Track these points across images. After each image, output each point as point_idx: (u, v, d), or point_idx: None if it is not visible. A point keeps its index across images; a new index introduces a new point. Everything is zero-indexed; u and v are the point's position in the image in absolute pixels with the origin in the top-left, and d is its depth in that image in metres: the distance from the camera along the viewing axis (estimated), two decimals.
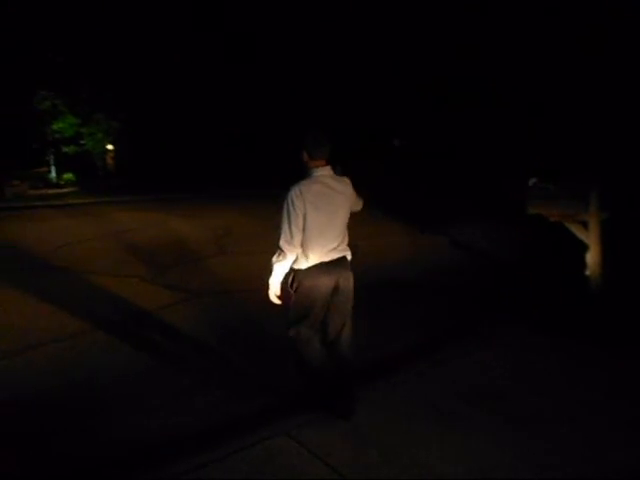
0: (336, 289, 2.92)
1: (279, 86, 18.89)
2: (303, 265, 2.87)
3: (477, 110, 15.31)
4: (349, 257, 3.06)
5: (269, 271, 2.92)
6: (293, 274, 2.90)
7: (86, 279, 6.27)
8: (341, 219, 2.92)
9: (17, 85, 17.77)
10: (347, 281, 2.96)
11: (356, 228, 8.74)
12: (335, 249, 2.90)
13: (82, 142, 20.23)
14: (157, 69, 19.07)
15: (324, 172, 2.87)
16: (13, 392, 3.53)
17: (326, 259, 2.87)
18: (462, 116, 15.94)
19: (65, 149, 20.10)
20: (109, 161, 22.54)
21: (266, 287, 2.96)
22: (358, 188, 3.08)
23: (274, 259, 2.87)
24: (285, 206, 2.79)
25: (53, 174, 20.85)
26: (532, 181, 5.05)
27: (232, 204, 12.81)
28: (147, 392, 3.49)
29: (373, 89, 18.03)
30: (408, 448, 2.78)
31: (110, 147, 21.81)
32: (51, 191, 18.33)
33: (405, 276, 6.25)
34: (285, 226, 2.79)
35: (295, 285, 2.90)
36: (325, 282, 2.87)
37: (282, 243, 2.80)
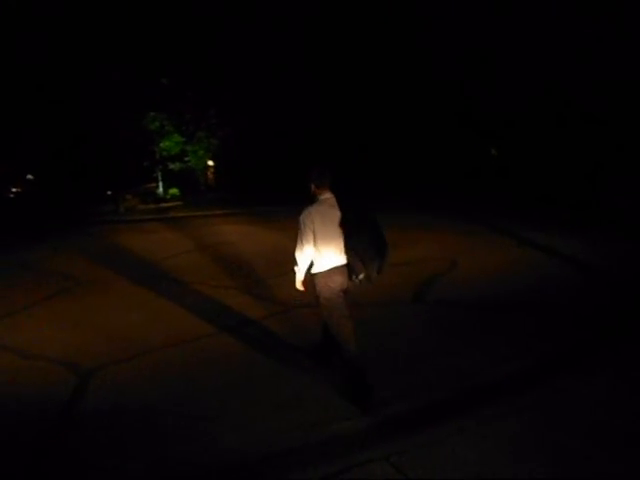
0: (345, 291, 3.65)
1: (381, 102, 19.03)
2: (321, 269, 3.59)
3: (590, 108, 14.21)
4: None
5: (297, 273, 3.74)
6: (315, 277, 3.62)
7: (191, 289, 6.60)
8: (339, 229, 3.56)
9: (131, 108, 19.47)
10: (359, 275, 3.55)
11: (454, 243, 8.44)
12: (341, 253, 3.56)
13: (186, 159, 21.62)
14: (254, 90, 19.96)
15: (327, 196, 3.63)
16: (124, 396, 3.75)
17: (337, 263, 3.57)
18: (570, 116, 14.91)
19: (171, 166, 21.60)
20: (209, 176, 23.88)
21: (294, 280, 3.80)
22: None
23: (296, 265, 3.70)
24: (299, 225, 3.58)
25: (160, 189, 22.47)
26: None
27: None
28: (250, 402, 3.54)
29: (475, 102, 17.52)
30: None
31: (210, 163, 23.11)
32: (158, 205, 19.75)
33: (507, 294, 5.84)
34: (298, 240, 3.59)
35: (318, 286, 3.61)
36: (339, 281, 3.59)
37: (296, 253, 3.64)
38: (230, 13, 19.29)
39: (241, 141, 21.24)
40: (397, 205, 14.74)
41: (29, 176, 28.49)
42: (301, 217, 3.58)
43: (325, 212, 3.57)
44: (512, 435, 2.98)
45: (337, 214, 3.57)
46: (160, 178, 22.62)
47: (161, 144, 20.97)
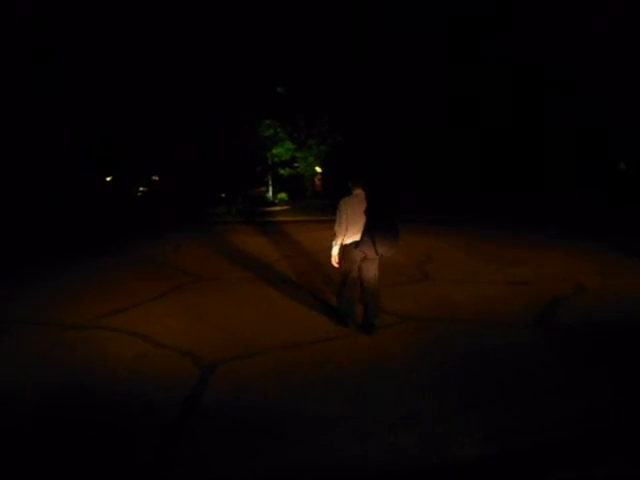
0: (365, 256, 4.98)
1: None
2: (347, 241, 5.00)
3: None
4: None
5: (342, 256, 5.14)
6: (344, 248, 5.06)
7: (304, 291, 6.72)
8: (363, 217, 4.92)
9: (248, 115, 20.55)
10: (370, 251, 4.91)
11: (580, 263, 7.75)
12: (360, 232, 4.91)
13: (295, 165, 22.35)
14: (363, 100, 20.13)
15: (359, 192, 5.06)
16: (244, 393, 3.87)
17: (357, 238, 4.92)
18: None
19: (281, 171, 22.46)
20: (317, 182, 24.44)
21: (328, 257, 5.30)
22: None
23: (333, 239, 5.06)
24: (338, 209, 4.98)
25: (270, 194, 23.42)
26: None
27: (427, 230, 12.65)
28: (368, 413, 3.49)
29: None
30: None
31: (318, 170, 23.64)
32: (267, 209, 20.58)
33: None
34: (337, 220, 4.96)
35: (345, 253, 5.06)
36: (358, 251, 4.96)
37: (335, 228, 5.00)
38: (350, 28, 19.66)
39: (349, 148, 21.50)
40: (514, 219, 13.95)
41: (154, 177, 31.22)
42: (339, 204, 4.99)
43: (355, 203, 4.96)
44: None
45: (363, 205, 4.94)
46: (270, 183, 23.59)
47: (273, 150, 21.88)
